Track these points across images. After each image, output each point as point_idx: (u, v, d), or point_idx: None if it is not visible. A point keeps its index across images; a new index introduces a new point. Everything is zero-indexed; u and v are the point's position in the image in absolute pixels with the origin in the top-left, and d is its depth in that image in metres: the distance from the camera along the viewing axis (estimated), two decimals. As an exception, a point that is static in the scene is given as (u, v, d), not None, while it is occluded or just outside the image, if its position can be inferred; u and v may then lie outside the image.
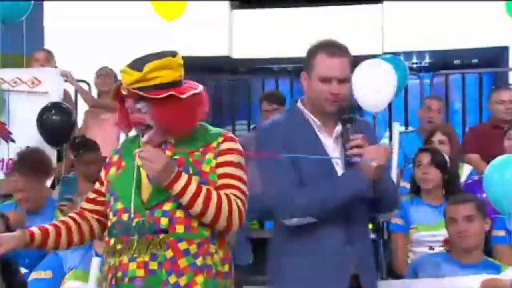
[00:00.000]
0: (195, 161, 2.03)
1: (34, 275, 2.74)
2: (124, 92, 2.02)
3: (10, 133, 4.18)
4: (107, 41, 6.36)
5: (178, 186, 1.95)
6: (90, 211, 2.13)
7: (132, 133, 2.19)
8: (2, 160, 4.17)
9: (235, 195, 2.02)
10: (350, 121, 2.20)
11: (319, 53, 2.21)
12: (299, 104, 2.31)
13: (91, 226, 2.12)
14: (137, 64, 2.01)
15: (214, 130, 2.12)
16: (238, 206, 2.01)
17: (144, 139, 2.04)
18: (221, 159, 2.05)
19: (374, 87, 3.99)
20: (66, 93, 4.60)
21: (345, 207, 2.18)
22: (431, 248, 3.32)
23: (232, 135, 2.13)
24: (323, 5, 6.91)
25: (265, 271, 2.35)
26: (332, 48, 2.21)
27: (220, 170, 2.04)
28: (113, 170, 2.10)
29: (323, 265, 2.19)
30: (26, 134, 4.05)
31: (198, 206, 1.96)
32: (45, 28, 6.60)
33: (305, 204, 2.16)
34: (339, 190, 2.16)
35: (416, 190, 3.51)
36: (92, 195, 2.15)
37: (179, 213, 1.98)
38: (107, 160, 2.16)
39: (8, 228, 2.91)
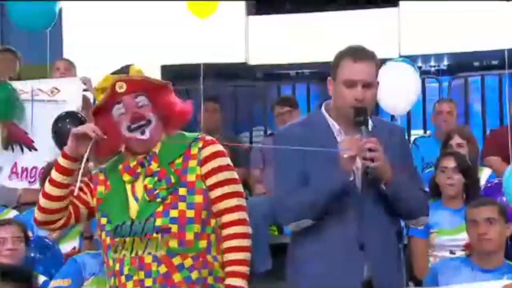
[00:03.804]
0: (177, 171, 2.03)
1: (53, 284, 2.76)
2: (121, 90, 2.02)
3: (32, 141, 4.24)
4: (124, 49, 6.41)
5: None
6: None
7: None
8: (26, 169, 4.23)
9: (239, 206, 2.04)
10: (364, 123, 2.14)
11: (344, 57, 2.18)
12: (322, 108, 2.28)
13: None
14: (121, 72, 2.08)
15: (190, 135, 2.12)
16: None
17: (146, 135, 2.04)
18: (209, 166, 2.04)
19: (397, 90, 3.97)
20: (86, 100, 4.63)
21: (335, 203, 2.12)
22: (452, 252, 3.30)
23: (210, 137, 2.12)
24: (338, 9, 6.89)
25: (284, 277, 2.34)
26: (357, 52, 2.18)
27: (214, 179, 2.03)
28: (101, 189, 2.09)
29: (334, 269, 2.15)
30: (47, 143, 4.08)
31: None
32: (64, 37, 6.68)
33: (294, 208, 2.15)
34: (321, 187, 2.13)
35: (436, 193, 3.48)
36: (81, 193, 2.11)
37: (172, 228, 1.98)
38: (93, 172, 2.15)
39: (27, 237, 2.96)
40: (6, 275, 1.98)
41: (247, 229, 2.05)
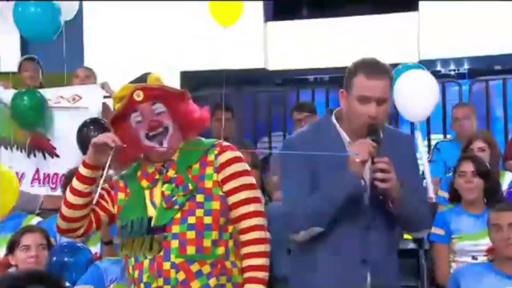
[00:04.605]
0: (194, 177, 2.04)
1: (76, 289, 2.78)
2: (139, 99, 2.04)
3: (54, 148, 4.29)
4: (144, 56, 6.46)
5: None
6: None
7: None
8: (48, 175, 4.28)
9: (257, 212, 2.04)
10: (375, 142, 2.11)
11: (359, 73, 2.14)
12: (333, 116, 2.25)
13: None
14: (140, 81, 2.10)
15: (207, 141, 2.12)
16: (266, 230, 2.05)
17: (165, 144, 2.05)
18: (226, 172, 2.04)
19: (416, 97, 3.95)
20: (106, 106, 4.67)
21: (342, 217, 2.10)
22: (474, 257, 3.26)
23: (227, 143, 2.12)
24: (357, 14, 6.88)
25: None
26: (371, 68, 2.14)
27: (231, 185, 2.03)
28: (121, 196, 2.12)
29: (336, 283, 2.13)
30: (69, 149, 4.12)
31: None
32: (84, 45, 6.76)
33: (304, 216, 2.10)
34: (331, 193, 2.10)
35: (456, 198, 3.45)
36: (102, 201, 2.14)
37: (190, 235, 1.99)
38: (113, 179, 2.16)
39: (49, 244, 2.99)
40: (37, 279, 2.01)
41: (266, 235, 2.05)
